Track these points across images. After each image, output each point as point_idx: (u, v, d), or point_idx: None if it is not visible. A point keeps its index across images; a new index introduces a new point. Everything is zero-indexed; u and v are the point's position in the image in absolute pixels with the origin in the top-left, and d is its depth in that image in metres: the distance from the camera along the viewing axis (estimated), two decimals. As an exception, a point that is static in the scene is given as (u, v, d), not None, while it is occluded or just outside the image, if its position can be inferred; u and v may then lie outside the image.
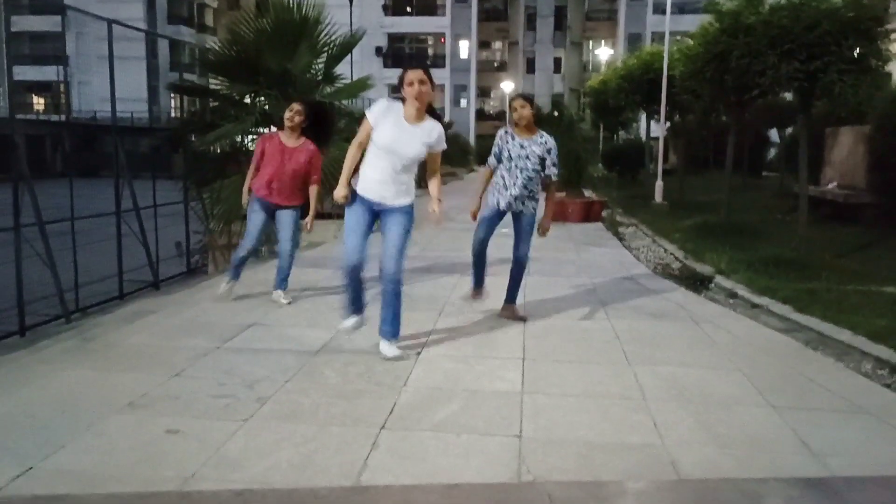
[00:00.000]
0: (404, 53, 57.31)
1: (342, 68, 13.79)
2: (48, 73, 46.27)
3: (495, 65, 63.63)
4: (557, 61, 64.26)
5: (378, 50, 54.22)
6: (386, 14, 56.21)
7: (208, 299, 7.36)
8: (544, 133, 6.68)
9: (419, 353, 5.69)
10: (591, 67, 58.55)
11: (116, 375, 5.04)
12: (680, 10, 36.18)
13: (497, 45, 64.34)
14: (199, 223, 9.58)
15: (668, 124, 22.99)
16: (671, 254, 11.58)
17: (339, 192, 5.40)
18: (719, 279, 9.11)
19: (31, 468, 3.60)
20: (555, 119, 19.98)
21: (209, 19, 63.07)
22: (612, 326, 6.71)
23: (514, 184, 6.55)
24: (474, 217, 6.77)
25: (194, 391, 4.74)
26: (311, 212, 7.19)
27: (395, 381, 5.01)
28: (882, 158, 13.17)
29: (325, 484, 3.52)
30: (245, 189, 7.25)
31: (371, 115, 5.33)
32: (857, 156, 15.08)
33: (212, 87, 12.82)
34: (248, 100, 12.63)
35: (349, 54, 13.86)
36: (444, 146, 5.49)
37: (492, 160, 6.75)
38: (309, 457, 3.80)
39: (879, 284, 8.70)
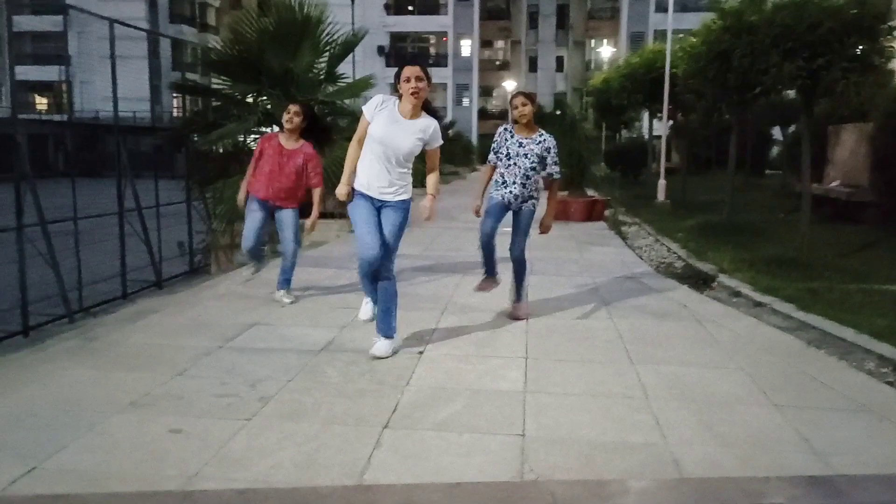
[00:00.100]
0: (406, 52, 57.29)
1: (344, 67, 13.82)
2: (50, 72, 46.34)
3: (497, 64, 63.61)
4: (560, 60, 64.24)
5: (380, 49, 54.22)
6: (388, 13, 56.23)
7: (211, 298, 7.37)
8: (544, 132, 6.68)
9: (422, 353, 5.69)
10: (593, 66, 58.55)
11: (119, 375, 5.04)
12: (683, 8, 36.19)
13: (499, 43, 64.32)
14: (201, 223, 9.59)
15: (671, 123, 22.98)
16: (674, 253, 11.57)
17: (341, 190, 5.43)
18: (722, 278, 9.10)
19: (33, 467, 3.61)
20: (557, 118, 19.99)
21: (211, 18, 63.07)
22: (615, 325, 6.71)
23: (514, 182, 6.55)
24: (477, 214, 6.77)
25: (197, 390, 4.75)
26: (314, 213, 7.19)
27: (397, 381, 5.01)
28: (885, 157, 13.15)
29: (327, 483, 3.52)
30: (242, 187, 7.25)
31: (367, 109, 5.38)
32: (859, 154, 15.05)
33: (214, 86, 12.85)
34: (250, 99, 12.66)
35: (351, 53, 13.88)
36: (440, 142, 5.49)
37: (492, 157, 6.75)
38: (311, 456, 3.80)
39: (882, 283, 8.68)
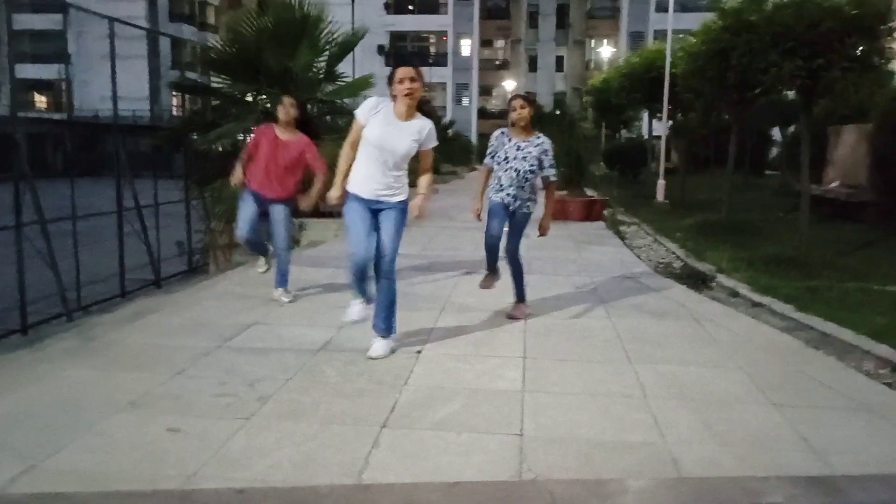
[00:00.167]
0: (406, 52, 57.29)
1: (344, 67, 13.79)
2: (50, 71, 46.44)
3: (497, 63, 63.62)
4: (559, 60, 64.25)
5: (380, 48, 54.18)
6: (388, 12, 56.20)
7: (210, 298, 7.37)
8: (541, 134, 6.69)
9: (420, 352, 5.69)
10: (593, 66, 58.62)
11: (118, 374, 5.04)
12: (682, 8, 36.16)
13: (499, 43, 64.32)
14: (200, 222, 9.59)
15: (670, 123, 22.99)
16: (672, 252, 11.57)
17: (333, 194, 5.41)
18: (721, 278, 9.10)
19: (32, 467, 3.60)
20: (556, 118, 20.00)
21: (211, 17, 63.02)
22: (613, 325, 6.71)
23: (511, 185, 6.55)
24: (478, 217, 6.77)
25: (195, 390, 4.75)
26: (312, 195, 7.12)
27: (395, 380, 5.01)
28: (884, 157, 13.18)
29: (326, 482, 3.53)
30: (238, 167, 7.20)
31: (361, 113, 5.35)
32: (859, 154, 15.07)
33: (213, 85, 12.84)
34: (249, 98, 12.65)
35: (351, 53, 13.87)
36: (435, 143, 5.47)
37: (488, 161, 6.74)
38: (310, 455, 3.80)
39: (881, 283, 8.69)
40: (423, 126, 5.36)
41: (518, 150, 6.56)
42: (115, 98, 7.82)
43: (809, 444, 4.09)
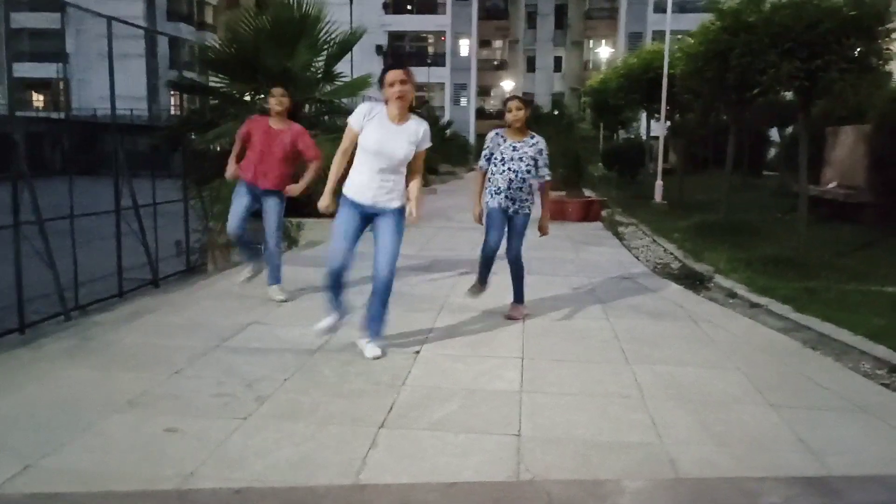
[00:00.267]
0: (405, 52, 57.30)
1: (342, 66, 13.80)
2: (48, 70, 46.37)
3: (495, 63, 63.67)
4: (558, 60, 64.34)
5: (378, 48, 54.15)
6: (386, 12, 56.19)
7: (208, 298, 7.37)
8: (535, 134, 6.70)
9: (418, 352, 5.69)
10: (591, 66, 58.69)
11: (116, 374, 5.04)
12: (681, 8, 36.18)
13: (497, 43, 64.37)
14: (198, 222, 9.58)
15: (668, 123, 23.00)
16: (670, 253, 11.59)
17: (324, 202, 5.39)
18: (718, 278, 9.12)
19: (30, 466, 3.60)
20: (555, 118, 20.02)
21: (209, 17, 63.02)
22: (611, 326, 6.71)
23: (508, 187, 6.55)
24: (478, 220, 6.77)
25: (193, 390, 4.75)
26: (302, 182, 7.13)
27: (393, 380, 5.01)
28: (882, 158, 13.19)
29: (323, 482, 3.53)
30: (231, 161, 7.21)
31: (355, 120, 5.31)
32: (857, 155, 15.08)
33: (211, 84, 12.84)
34: (247, 98, 12.65)
35: (349, 52, 13.87)
36: (429, 144, 5.45)
37: (483, 163, 6.74)
38: (308, 455, 3.80)
39: (879, 284, 8.71)
40: (418, 127, 5.35)
41: (514, 150, 6.57)
42: (112, 97, 7.81)
43: (807, 445, 4.09)
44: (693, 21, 15.98)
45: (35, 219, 6.29)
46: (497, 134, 6.70)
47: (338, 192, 5.45)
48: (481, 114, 59.74)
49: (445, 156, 34.06)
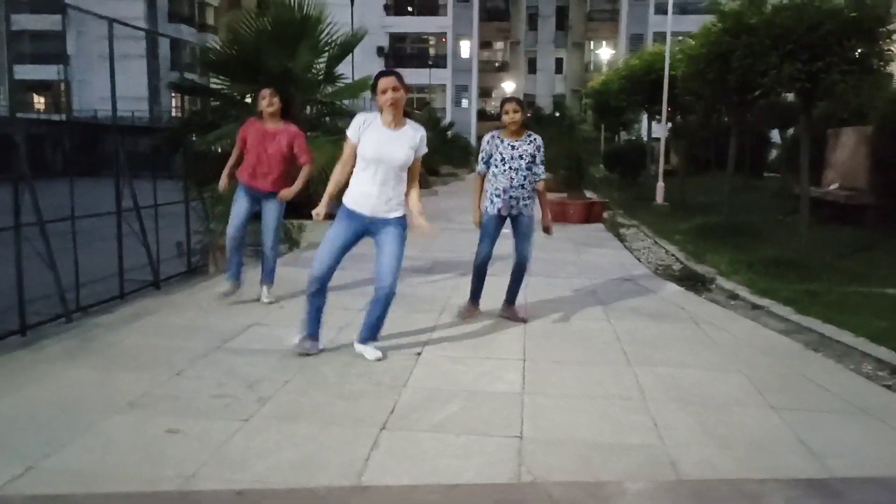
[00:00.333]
0: (406, 53, 57.36)
1: (343, 68, 13.82)
2: (49, 72, 46.40)
3: (497, 65, 63.72)
4: (559, 61, 64.39)
5: (379, 50, 54.20)
6: (387, 14, 56.21)
7: (209, 299, 7.36)
8: (531, 132, 6.70)
9: (419, 354, 5.69)
10: (592, 68, 58.73)
11: (117, 375, 5.04)
12: (682, 10, 36.23)
13: (498, 45, 64.43)
14: (199, 223, 9.57)
15: (670, 125, 23.00)
16: (672, 255, 11.58)
17: (319, 210, 5.38)
18: (720, 280, 9.11)
19: (31, 467, 3.60)
20: (556, 120, 20.03)
21: (210, 18, 63.05)
22: (613, 327, 6.71)
23: (512, 186, 6.54)
24: (479, 224, 6.76)
25: (195, 391, 4.74)
26: (294, 186, 7.10)
27: (394, 382, 5.01)
28: (883, 160, 13.17)
29: (325, 484, 3.52)
30: (224, 173, 7.24)
31: (352, 131, 5.31)
32: (858, 157, 15.07)
33: (212, 86, 12.84)
34: (248, 99, 12.65)
35: (350, 54, 13.89)
36: (426, 150, 5.44)
37: (481, 167, 6.73)
38: (309, 457, 3.80)
39: (880, 286, 8.70)
40: (416, 133, 5.35)
41: (513, 149, 6.57)
42: (114, 99, 7.80)
43: (808, 447, 4.09)
44: (694, 23, 16.00)
45: (36, 220, 6.29)
46: (493, 136, 6.69)
47: (337, 201, 5.45)
48: (483, 115, 59.73)
49: (447, 157, 34.05)
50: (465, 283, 7.07)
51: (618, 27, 58.23)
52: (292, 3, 12.29)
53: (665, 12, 24.48)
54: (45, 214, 6.39)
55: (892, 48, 9.91)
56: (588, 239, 13.35)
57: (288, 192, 7.10)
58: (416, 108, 45.30)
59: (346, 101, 13.86)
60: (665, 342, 6.25)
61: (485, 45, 62.23)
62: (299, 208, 9.36)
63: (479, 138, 50.99)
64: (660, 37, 37.56)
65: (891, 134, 13.05)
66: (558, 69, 64.47)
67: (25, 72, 46.27)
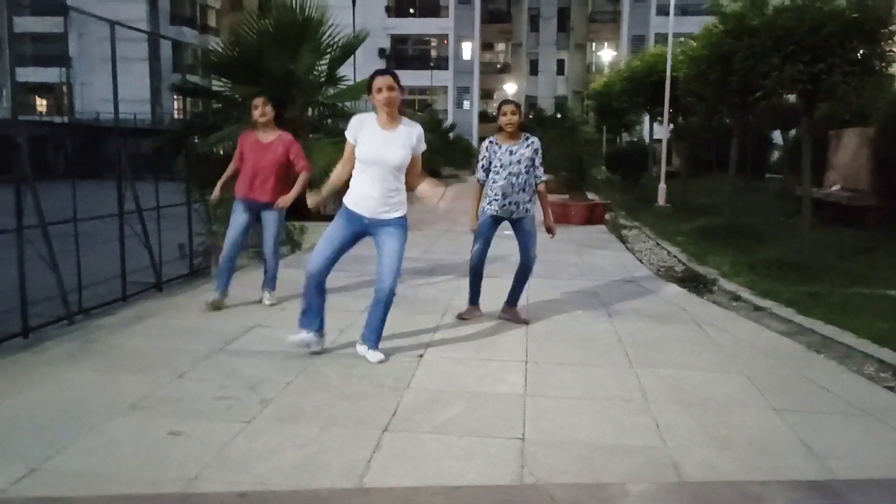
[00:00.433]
0: (407, 55, 57.39)
1: (345, 70, 13.82)
2: (51, 74, 46.43)
3: (498, 66, 63.70)
4: (561, 63, 64.37)
5: (381, 51, 54.20)
6: (389, 16, 56.23)
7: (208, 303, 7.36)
8: (529, 135, 6.70)
9: (421, 356, 5.69)
10: (594, 69, 58.66)
11: (119, 377, 5.04)
12: (683, 11, 36.17)
13: (500, 46, 64.43)
14: (201, 225, 9.57)
15: (672, 127, 23.00)
16: (674, 256, 11.58)
17: (312, 199, 5.42)
18: (722, 282, 9.11)
19: (33, 469, 3.60)
20: (558, 121, 20.03)
21: (212, 20, 63.07)
22: (615, 329, 6.71)
23: (511, 191, 6.54)
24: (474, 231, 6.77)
25: (197, 393, 4.75)
26: (291, 193, 7.08)
27: (397, 383, 5.01)
28: (886, 161, 13.17)
29: (327, 485, 3.53)
30: (219, 185, 7.25)
31: (349, 133, 5.35)
32: (860, 158, 15.06)
33: (214, 88, 12.85)
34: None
35: (352, 56, 13.89)
36: (424, 147, 5.45)
37: (480, 174, 6.71)
38: (311, 458, 3.80)
39: (883, 287, 8.69)
40: (411, 131, 5.35)
41: (511, 154, 6.57)
42: (116, 101, 7.80)
43: (810, 449, 4.08)
44: (696, 24, 15.99)
45: (38, 222, 6.30)
46: (491, 142, 6.69)
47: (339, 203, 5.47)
48: (484, 117, 59.67)
49: (448, 159, 34.02)
50: (467, 285, 7.07)
51: (619, 29, 58.23)
52: (294, 5, 12.30)
53: (667, 14, 24.47)
54: (48, 216, 6.40)
55: (894, 49, 9.91)
56: (590, 240, 13.35)
57: (286, 200, 7.09)
58: (418, 109, 45.35)
59: (347, 103, 13.85)
60: (667, 344, 6.24)
61: (486, 46, 62.23)
62: (302, 210, 9.35)
63: (481, 140, 51.28)
64: (661, 38, 37.55)
65: (893, 135, 13.05)
66: (560, 71, 64.45)
67: (27, 74, 46.28)
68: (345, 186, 5.48)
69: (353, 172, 5.38)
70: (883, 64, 10.01)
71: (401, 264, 5.44)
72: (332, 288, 7.88)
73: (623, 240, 13.87)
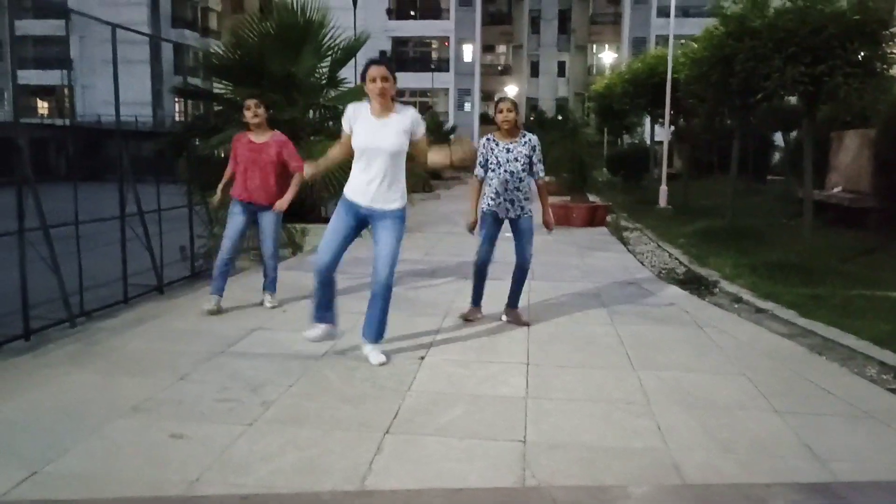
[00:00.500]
0: (408, 57, 57.36)
1: (346, 72, 13.81)
2: (52, 76, 46.47)
3: (499, 68, 63.67)
4: (562, 65, 64.38)
5: (382, 54, 54.05)
6: (390, 18, 56.22)
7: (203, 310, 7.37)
8: (526, 133, 6.72)
9: (423, 358, 5.69)
10: (595, 71, 58.62)
11: (121, 379, 5.04)
12: (684, 13, 36.21)
13: (501, 48, 64.39)
14: (203, 227, 9.58)
15: (673, 128, 23.00)
16: (675, 258, 11.57)
17: (308, 170, 5.49)
18: (724, 284, 9.10)
19: (34, 472, 3.60)
20: (559, 123, 20.04)
21: (213, 23, 63.13)
22: (616, 331, 6.70)
23: (506, 189, 6.56)
24: (471, 230, 6.76)
25: (198, 395, 4.75)
26: (287, 195, 7.09)
27: (398, 386, 5.01)
28: (887, 162, 13.15)
29: (329, 488, 3.52)
30: (219, 188, 7.26)
31: (345, 122, 5.40)
32: (862, 160, 15.06)
33: (215, 90, 12.84)
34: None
35: (353, 58, 13.87)
36: (423, 129, 5.44)
37: (479, 171, 6.73)
38: (313, 461, 3.80)
39: (884, 289, 8.68)
40: (404, 116, 5.35)
41: (508, 152, 6.59)
42: (117, 104, 7.81)
43: (812, 451, 4.08)
44: (696, 26, 16.01)
45: (40, 224, 6.30)
46: (489, 139, 6.71)
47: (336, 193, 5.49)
48: (485, 119, 59.59)
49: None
50: (469, 287, 7.07)
51: (620, 30, 58.19)
52: (295, 8, 12.27)
53: (667, 15, 24.47)
54: (49, 219, 6.41)
55: (895, 50, 9.91)
56: (591, 242, 13.34)
57: (282, 203, 7.09)
58: (419, 111, 45.34)
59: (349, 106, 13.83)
60: (668, 346, 6.24)
61: (487, 48, 62.19)
62: (303, 213, 9.35)
63: (482, 142, 51.13)
64: (662, 40, 37.61)
65: (894, 137, 13.03)
66: (561, 73, 64.46)
67: (29, 77, 46.39)
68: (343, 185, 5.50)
69: (353, 162, 5.40)
70: (884, 66, 10.03)
71: (396, 257, 5.43)
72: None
73: (624, 241, 13.87)
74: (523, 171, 6.58)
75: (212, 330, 6.39)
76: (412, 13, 57.67)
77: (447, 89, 57.09)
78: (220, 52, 13.01)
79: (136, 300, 7.66)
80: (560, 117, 44.02)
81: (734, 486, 3.66)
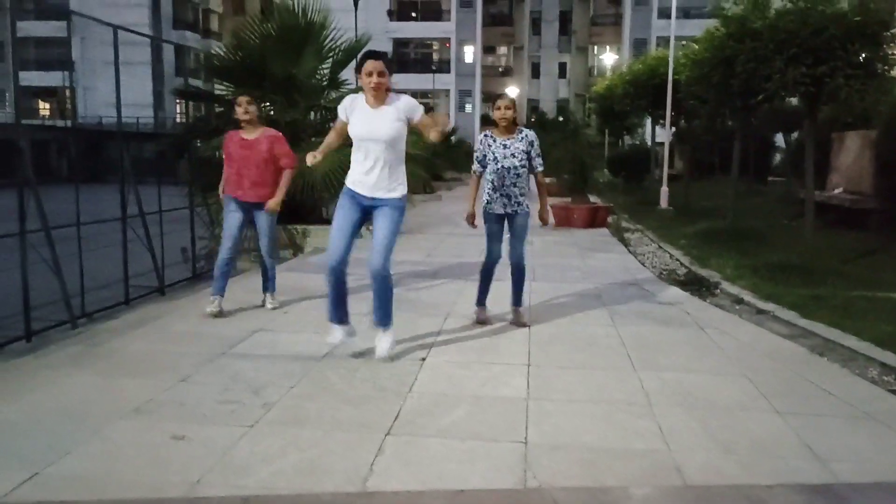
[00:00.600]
0: (409, 58, 57.39)
1: (347, 74, 13.81)
2: (54, 78, 46.53)
3: (500, 70, 63.65)
4: (563, 66, 64.37)
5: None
6: (391, 19, 56.25)
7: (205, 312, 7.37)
8: (524, 128, 6.73)
9: (424, 359, 5.69)
10: (596, 72, 58.64)
11: (122, 381, 5.05)
12: (685, 14, 36.24)
13: (502, 50, 64.37)
14: (204, 228, 9.59)
15: (674, 130, 23.00)
16: (677, 259, 11.57)
17: (310, 159, 5.45)
18: (725, 285, 9.10)
19: (36, 474, 3.60)
20: (560, 124, 20.05)
21: (214, 24, 63.20)
22: (618, 332, 6.70)
23: (503, 184, 6.57)
24: (470, 221, 6.76)
25: (200, 397, 4.75)
26: (277, 195, 7.07)
27: (400, 387, 5.01)
28: (888, 163, 13.16)
29: (330, 489, 3.52)
30: (221, 190, 7.27)
31: (341, 111, 5.45)
32: (863, 161, 15.06)
33: (217, 92, 12.85)
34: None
35: (354, 60, 13.89)
36: (421, 110, 5.42)
37: (476, 167, 6.77)
38: (314, 462, 3.80)
39: (886, 290, 8.68)
40: (398, 103, 5.36)
41: (505, 148, 6.61)
42: (118, 106, 7.82)
43: (813, 452, 4.08)
44: (697, 27, 16.01)
45: (41, 226, 6.31)
46: (486, 136, 6.74)
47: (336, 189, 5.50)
48: (486, 120, 59.53)
49: (451, 162, 34.04)
50: (471, 288, 7.07)
51: (621, 32, 58.17)
52: (296, 9, 12.29)
53: (668, 17, 24.48)
54: (51, 220, 6.42)
55: (896, 52, 9.92)
56: (592, 243, 13.34)
57: (274, 203, 7.07)
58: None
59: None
60: (670, 347, 6.24)
61: (488, 49, 62.17)
62: (304, 214, 9.35)
63: (484, 143, 51.08)
64: (663, 41, 37.58)
65: (895, 138, 13.04)
66: (562, 74, 64.46)
67: (30, 78, 46.45)
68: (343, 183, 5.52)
69: (352, 153, 5.44)
70: (885, 67, 10.02)
71: (392, 245, 5.43)
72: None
73: (625, 243, 13.87)
74: (521, 166, 6.59)
75: (213, 331, 6.40)
76: (413, 14, 57.69)
77: (448, 90, 57.10)
78: (222, 54, 13.03)
79: (138, 301, 7.68)
80: (561, 118, 44.10)
81: (735, 487, 3.66)
